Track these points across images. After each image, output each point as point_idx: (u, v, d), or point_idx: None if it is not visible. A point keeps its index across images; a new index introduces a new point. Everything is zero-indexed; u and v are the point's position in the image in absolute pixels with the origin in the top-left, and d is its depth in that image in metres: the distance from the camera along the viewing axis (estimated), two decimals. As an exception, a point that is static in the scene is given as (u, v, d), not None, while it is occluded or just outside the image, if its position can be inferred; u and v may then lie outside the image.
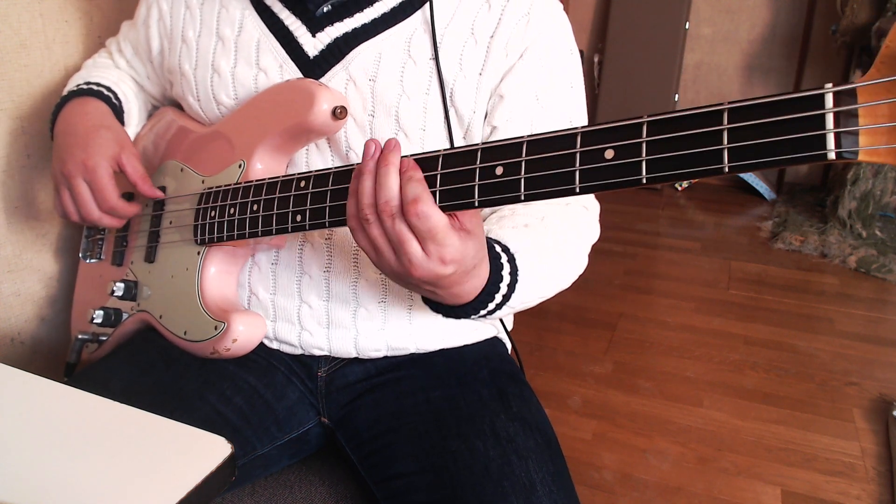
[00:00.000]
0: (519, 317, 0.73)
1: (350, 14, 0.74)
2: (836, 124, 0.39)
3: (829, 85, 0.39)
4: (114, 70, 0.93)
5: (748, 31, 3.26)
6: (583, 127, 0.48)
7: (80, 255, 0.95)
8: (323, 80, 0.74)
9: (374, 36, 0.73)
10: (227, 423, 0.74)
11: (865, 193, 2.62)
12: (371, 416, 0.76)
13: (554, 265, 0.69)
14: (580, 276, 0.74)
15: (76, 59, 1.03)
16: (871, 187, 2.61)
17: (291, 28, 0.76)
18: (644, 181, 0.45)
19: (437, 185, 0.54)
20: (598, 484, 1.46)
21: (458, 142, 0.75)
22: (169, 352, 0.79)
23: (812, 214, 2.88)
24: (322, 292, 0.77)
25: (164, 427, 0.50)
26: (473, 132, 0.75)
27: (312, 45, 0.75)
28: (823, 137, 0.39)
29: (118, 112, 0.88)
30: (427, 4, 0.73)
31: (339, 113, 0.69)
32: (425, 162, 0.55)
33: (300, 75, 0.75)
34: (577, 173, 0.48)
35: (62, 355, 1.05)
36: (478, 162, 0.52)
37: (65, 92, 0.89)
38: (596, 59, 3.46)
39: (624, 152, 0.46)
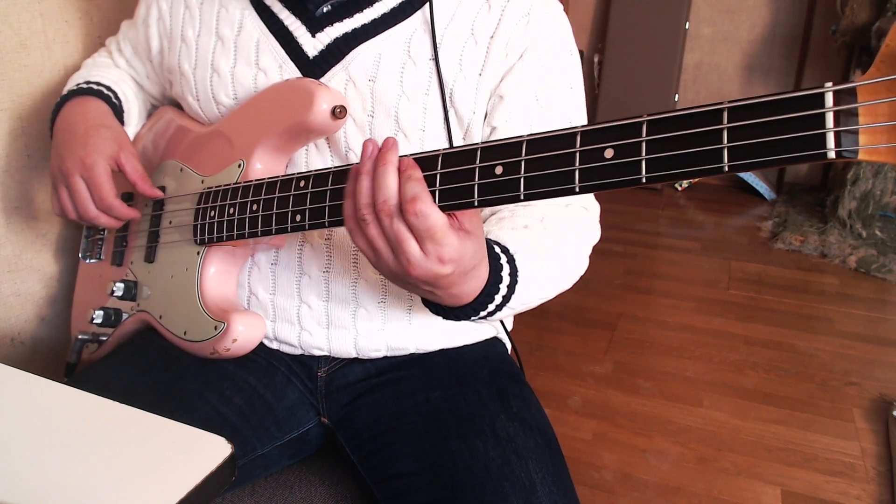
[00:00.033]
0: (519, 317, 0.73)
1: (350, 14, 0.74)
2: (836, 123, 0.39)
3: (829, 84, 0.39)
4: (113, 69, 0.93)
5: (748, 31, 3.26)
6: (582, 126, 0.48)
7: (80, 255, 0.95)
8: (322, 80, 0.74)
9: (374, 36, 0.73)
10: (227, 423, 0.74)
11: (865, 193, 2.62)
12: (371, 417, 0.76)
13: (554, 266, 0.69)
14: (581, 276, 0.74)
15: (76, 59, 1.03)
16: (871, 187, 2.61)
17: (291, 28, 0.76)
18: (644, 181, 0.45)
19: (437, 185, 0.54)
20: (598, 484, 1.46)
21: (458, 142, 0.75)
22: (169, 352, 0.79)
23: (812, 214, 2.88)
24: (321, 292, 0.77)
25: (164, 427, 0.50)
26: (473, 133, 0.75)
27: (312, 45, 0.75)
28: (823, 136, 0.39)
29: (118, 111, 0.89)
30: (427, 5, 0.73)
31: (339, 112, 0.69)
32: (424, 161, 0.55)
33: (300, 75, 0.75)
34: (577, 173, 0.48)
35: (62, 355, 1.05)
36: (477, 161, 0.52)
37: (65, 91, 0.89)
38: (596, 59, 3.46)
39: (623, 151, 0.46)
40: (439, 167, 0.54)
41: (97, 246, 0.94)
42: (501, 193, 0.51)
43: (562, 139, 0.49)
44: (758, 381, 1.81)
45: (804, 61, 3.14)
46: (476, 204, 0.53)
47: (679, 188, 3.35)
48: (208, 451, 0.47)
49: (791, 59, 3.19)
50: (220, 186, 0.75)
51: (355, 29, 0.74)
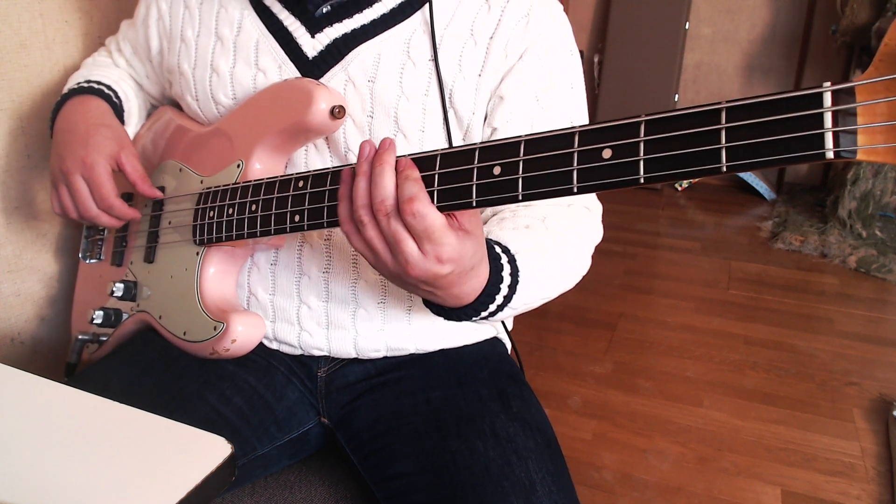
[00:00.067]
0: (519, 317, 0.73)
1: (349, 15, 0.74)
2: (835, 123, 0.39)
3: (828, 83, 0.39)
4: (113, 69, 0.93)
5: (748, 31, 3.26)
6: (580, 126, 0.48)
7: (80, 255, 0.95)
8: (322, 81, 0.74)
9: (374, 37, 0.73)
10: (227, 423, 0.74)
11: (865, 193, 2.62)
12: (371, 417, 0.76)
13: (555, 266, 0.69)
14: (582, 276, 0.74)
15: (76, 59, 1.03)
16: (871, 187, 2.61)
17: (290, 29, 0.76)
18: (642, 181, 0.45)
19: (435, 185, 0.54)
20: (598, 484, 1.46)
21: (458, 143, 0.75)
22: (169, 352, 0.79)
23: (812, 214, 2.88)
24: (321, 293, 0.77)
25: (164, 427, 0.51)
26: (473, 133, 0.75)
27: (311, 45, 0.75)
28: (822, 136, 0.39)
29: (118, 111, 0.89)
30: (426, 5, 0.73)
31: (338, 112, 0.69)
32: (422, 161, 0.55)
33: (299, 76, 0.75)
34: (575, 173, 0.48)
35: (62, 355, 1.05)
36: (475, 161, 0.52)
37: (65, 90, 0.89)
38: (596, 59, 3.46)
39: (622, 152, 0.46)
40: (437, 167, 0.54)
41: (97, 246, 0.94)
42: (500, 194, 0.51)
43: (560, 139, 0.49)
44: (758, 381, 1.81)
45: (804, 61, 3.14)
46: (474, 204, 0.52)
47: (679, 188, 3.35)
48: (208, 451, 0.47)
49: (791, 59, 3.19)
50: (219, 187, 0.75)
51: (355, 29, 0.74)
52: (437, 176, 0.54)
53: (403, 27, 0.73)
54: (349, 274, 0.77)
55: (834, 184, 2.84)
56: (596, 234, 0.76)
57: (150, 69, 0.91)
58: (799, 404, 1.71)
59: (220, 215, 0.73)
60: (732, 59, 3.31)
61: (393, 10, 0.73)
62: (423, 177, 0.54)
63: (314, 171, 0.63)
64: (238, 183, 0.73)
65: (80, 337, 0.90)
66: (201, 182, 0.79)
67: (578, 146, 0.48)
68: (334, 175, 0.61)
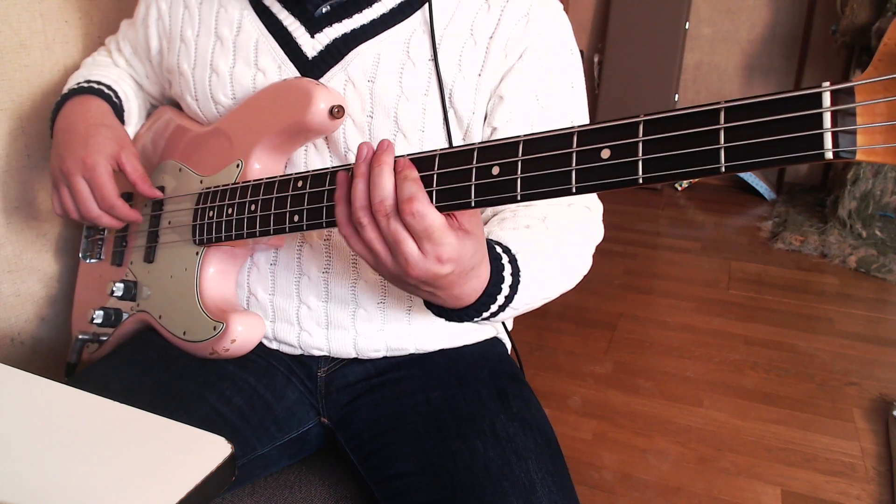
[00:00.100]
0: (519, 317, 0.73)
1: (349, 15, 0.74)
2: (834, 123, 0.38)
3: (827, 83, 0.39)
4: (113, 69, 0.93)
5: (748, 31, 3.26)
6: (579, 126, 0.48)
7: (80, 255, 0.95)
8: (321, 81, 0.74)
9: (373, 37, 0.73)
10: (227, 423, 0.75)
11: (865, 193, 2.62)
12: (371, 417, 0.76)
13: (556, 266, 0.69)
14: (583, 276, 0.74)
15: (76, 58, 1.03)
16: (871, 187, 2.61)
17: (290, 29, 0.76)
18: (641, 181, 0.45)
19: (434, 185, 0.54)
20: (598, 484, 1.46)
21: (458, 143, 0.75)
22: (169, 352, 0.79)
23: (812, 214, 2.88)
24: (321, 293, 0.77)
25: (164, 427, 0.51)
26: (473, 133, 0.75)
27: (311, 45, 0.75)
28: (821, 137, 0.39)
29: (118, 111, 0.89)
30: (426, 5, 0.73)
31: (337, 112, 0.69)
32: (421, 162, 0.55)
33: (298, 76, 0.75)
34: (574, 173, 0.48)
35: (62, 355, 1.05)
36: (474, 162, 0.52)
37: (65, 90, 0.89)
38: (596, 59, 3.46)
39: (620, 152, 0.46)
40: (436, 167, 0.54)
41: (97, 246, 0.94)
42: (498, 194, 0.51)
43: (558, 139, 0.49)
44: (758, 381, 1.81)
45: (804, 61, 3.14)
46: (473, 204, 0.52)
47: (679, 188, 3.34)
48: (208, 451, 0.47)
49: (791, 59, 3.19)
50: (219, 186, 0.75)
51: (354, 29, 0.74)
52: (435, 176, 0.54)
53: (403, 27, 0.73)
54: (349, 274, 0.77)
55: (834, 184, 2.84)
56: (597, 233, 0.75)
57: (149, 69, 0.91)
58: (799, 404, 1.71)
59: (219, 215, 0.73)
60: (732, 59, 3.31)
61: (392, 10, 0.73)
62: (421, 177, 0.54)
63: (313, 171, 0.63)
64: (237, 183, 0.73)
65: (80, 337, 0.90)
66: (201, 182, 0.79)
67: (577, 146, 0.48)
68: (333, 175, 0.61)
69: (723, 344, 1.98)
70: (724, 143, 0.42)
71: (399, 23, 0.73)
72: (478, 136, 0.75)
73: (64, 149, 0.80)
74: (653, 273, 2.49)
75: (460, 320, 0.63)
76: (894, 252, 2.49)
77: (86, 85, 0.88)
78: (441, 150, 0.55)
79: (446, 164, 0.54)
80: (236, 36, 0.78)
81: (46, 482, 0.45)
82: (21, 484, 0.45)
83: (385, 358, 0.80)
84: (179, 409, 0.73)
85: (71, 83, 0.90)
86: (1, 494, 0.43)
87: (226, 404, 0.76)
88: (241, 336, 0.73)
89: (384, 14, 0.73)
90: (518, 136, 0.51)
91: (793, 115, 0.40)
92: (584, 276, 0.73)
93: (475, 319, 0.63)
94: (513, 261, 0.63)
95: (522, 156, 0.50)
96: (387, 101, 0.72)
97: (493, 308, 0.62)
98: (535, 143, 0.50)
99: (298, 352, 0.80)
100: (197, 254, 0.77)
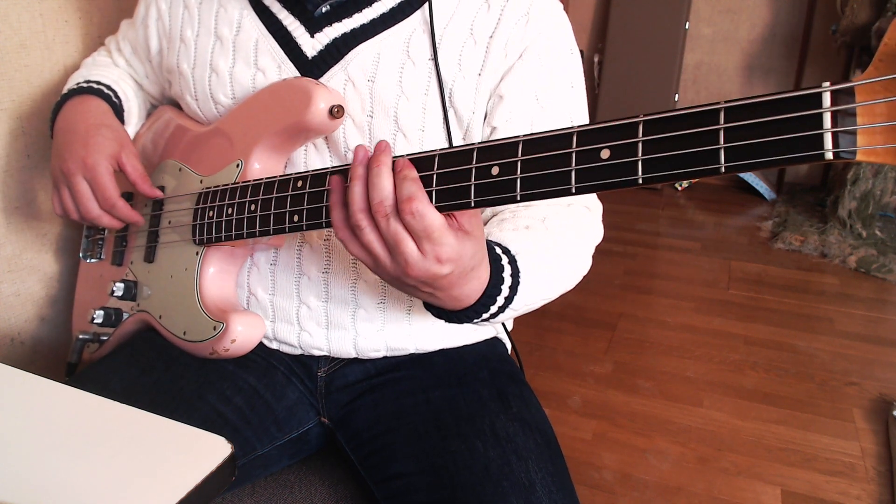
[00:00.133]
0: (519, 317, 0.73)
1: (349, 14, 0.74)
2: (834, 124, 0.38)
3: (827, 83, 0.39)
4: (113, 68, 0.93)
5: (748, 31, 3.26)
6: (579, 126, 0.48)
7: (81, 254, 0.95)
8: (321, 80, 0.74)
9: (373, 36, 0.73)
10: (227, 423, 0.75)
11: (865, 193, 2.62)
12: (371, 417, 0.76)
13: (556, 266, 0.69)
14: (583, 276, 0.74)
15: (76, 58, 1.03)
16: (872, 187, 2.61)
17: (290, 28, 0.76)
18: (640, 181, 0.45)
19: (433, 185, 0.54)
20: (598, 484, 1.46)
21: (458, 143, 0.75)
22: (169, 352, 0.79)
23: (812, 214, 2.88)
24: (321, 293, 0.78)
25: (164, 427, 0.51)
26: (473, 133, 0.75)
27: (311, 45, 0.75)
28: (821, 137, 0.39)
29: (118, 110, 0.89)
30: (426, 5, 0.73)
31: (337, 112, 0.69)
32: (420, 162, 0.55)
33: (298, 75, 0.75)
34: (573, 173, 0.48)
35: (63, 355, 1.05)
36: (474, 162, 0.52)
37: (65, 90, 0.89)
38: (596, 59, 3.46)
39: (620, 152, 0.46)
40: (435, 167, 0.54)
41: (97, 246, 0.94)
42: (498, 194, 0.51)
43: (558, 139, 0.49)
44: (758, 381, 1.81)
45: (804, 61, 3.14)
46: (472, 204, 0.52)
47: (679, 188, 3.34)
48: (208, 451, 0.47)
49: (791, 59, 3.19)
50: (219, 186, 0.75)
51: (354, 29, 0.74)
52: (435, 176, 0.54)
53: (403, 26, 0.73)
54: (349, 274, 0.77)
55: (834, 184, 2.84)
56: (596, 233, 0.75)
57: (149, 69, 0.91)
58: (799, 404, 1.71)
59: (219, 215, 0.73)
60: (732, 59, 3.31)
61: (392, 10, 0.73)
62: (421, 177, 0.54)
63: (313, 171, 0.63)
64: (237, 183, 0.73)
65: (80, 336, 0.90)
66: (201, 182, 0.79)
67: (577, 146, 0.48)
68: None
69: (723, 344, 1.98)
70: (724, 143, 0.42)
71: (399, 22, 0.73)
72: (478, 135, 0.75)
73: (64, 149, 0.80)
74: (653, 273, 2.49)
75: (460, 321, 0.63)
76: (894, 252, 2.49)
77: (85, 85, 0.88)
78: (440, 150, 0.54)
79: (446, 164, 0.54)
80: (236, 36, 0.78)
81: (46, 482, 0.45)
82: (21, 484, 0.45)
83: (385, 358, 0.80)
84: (179, 409, 0.73)
85: (71, 83, 0.90)
86: (1, 494, 0.43)
87: (226, 404, 0.76)
88: (242, 336, 0.73)
89: (384, 13, 0.73)
90: (518, 137, 0.51)
91: (793, 115, 0.40)
92: (584, 276, 0.73)
93: (475, 321, 0.63)
94: (512, 262, 0.63)
95: (522, 156, 0.50)
96: (387, 101, 0.72)
97: (493, 309, 0.62)
98: (535, 143, 0.50)
99: (298, 352, 0.80)
100: (197, 254, 0.77)
